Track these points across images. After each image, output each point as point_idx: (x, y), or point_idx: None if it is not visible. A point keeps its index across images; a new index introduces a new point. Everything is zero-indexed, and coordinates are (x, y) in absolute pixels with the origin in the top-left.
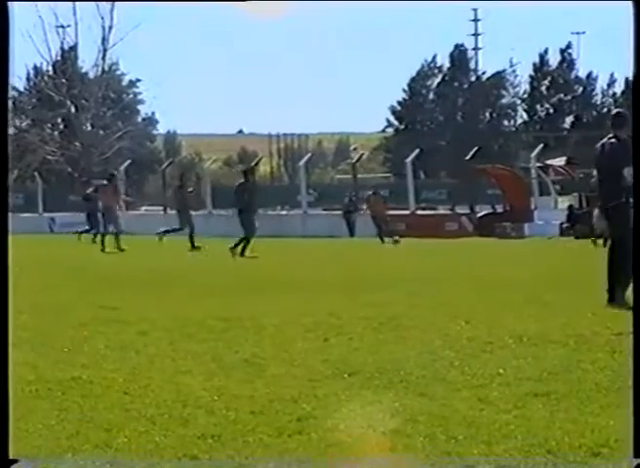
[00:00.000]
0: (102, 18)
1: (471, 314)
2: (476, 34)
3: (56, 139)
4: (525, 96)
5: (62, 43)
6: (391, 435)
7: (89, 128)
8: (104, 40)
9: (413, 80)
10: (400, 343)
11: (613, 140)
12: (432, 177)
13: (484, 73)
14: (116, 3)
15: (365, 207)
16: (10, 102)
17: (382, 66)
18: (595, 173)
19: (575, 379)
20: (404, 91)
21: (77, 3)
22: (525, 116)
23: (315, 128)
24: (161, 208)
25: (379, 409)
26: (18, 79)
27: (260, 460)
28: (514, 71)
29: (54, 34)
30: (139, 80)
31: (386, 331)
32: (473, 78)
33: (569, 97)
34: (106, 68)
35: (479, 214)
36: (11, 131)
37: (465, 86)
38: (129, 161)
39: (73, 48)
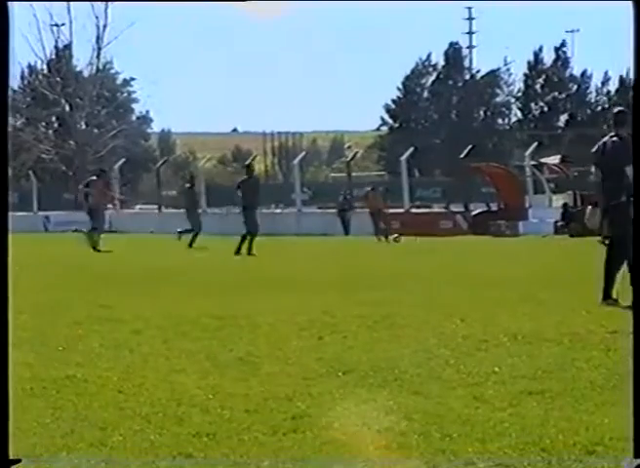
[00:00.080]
0: (97, 17)
1: (466, 312)
2: (470, 32)
3: (50, 138)
4: (519, 94)
5: (57, 41)
6: (386, 433)
7: (83, 126)
8: (99, 39)
9: (407, 78)
10: (395, 342)
11: (614, 139)
12: (427, 176)
13: (478, 71)
14: (110, 2)
15: (363, 203)
16: None
17: (377, 65)
18: (593, 171)
19: (569, 377)
20: (398, 89)
21: (72, 2)
22: (519, 114)
23: (310, 126)
24: (155, 206)
25: (373, 408)
26: (12, 77)
27: (255, 459)
28: (509, 69)
29: (48, 33)
30: (133, 79)
31: (381, 330)
32: (468, 76)
33: (563, 96)
34: (101, 67)
35: (473, 213)
36: None
37: (460, 84)
38: (123, 159)
39: (68, 46)
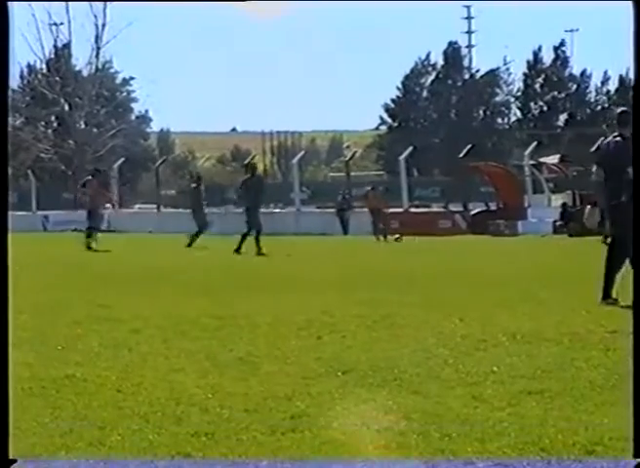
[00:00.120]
0: (96, 16)
1: (465, 312)
2: (470, 32)
3: (49, 137)
4: (519, 93)
5: (56, 41)
6: (385, 432)
7: (82, 126)
8: (98, 38)
9: (406, 78)
10: (394, 341)
11: (618, 139)
12: (426, 175)
13: (478, 71)
14: (109, 1)
15: (363, 202)
16: None
17: (376, 64)
18: (595, 170)
19: (568, 377)
20: (398, 88)
21: (70, 2)
22: (519, 114)
23: (309, 125)
24: (154, 206)
25: (372, 407)
26: (11, 77)
27: (254, 458)
28: (508, 69)
29: (47, 32)
30: (132, 78)
31: (380, 329)
32: (467, 76)
33: (562, 95)
34: (100, 66)
35: (472, 212)
36: None
37: (459, 84)
38: (122, 159)
39: (67, 46)
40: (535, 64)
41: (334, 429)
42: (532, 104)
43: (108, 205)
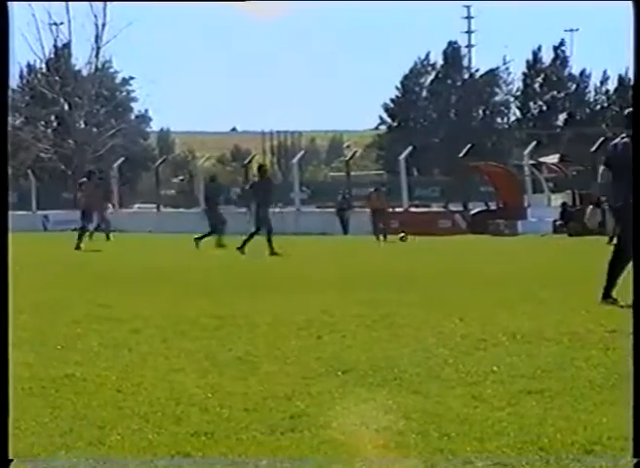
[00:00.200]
0: (95, 16)
1: (465, 311)
2: (469, 32)
3: (49, 137)
4: (518, 93)
5: (56, 41)
6: (384, 432)
7: (82, 125)
8: (98, 38)
9: (406, 78)
10: (393, 341)
11: (626, 140)
12: (425, 175)
13: (477, 71)
14: (109, 1)
15: (366, 203)
16: None
17: (376, 64)
18: (601, 171)
19: (568, 377)
20: (397, 88)
21: (70, 2)
22: (518, 113)
23: (308, 125)
24: (154, 205)
25: (372, 407)
26: (11, 77)
27: (254, 458)
28: (507, 69)
29: (47, 32)
30: (132, 78)
31: (380, 329)
32: (466, 76)
33: (562, 95)
34: (100, 66)
35: (472, 212)
36: None
37: (459, 83)
38: (122, 158)
39: (66, 45)
40: (534, 64)
41: (333, 429)
42: (531, 104)
43: (110, 206)
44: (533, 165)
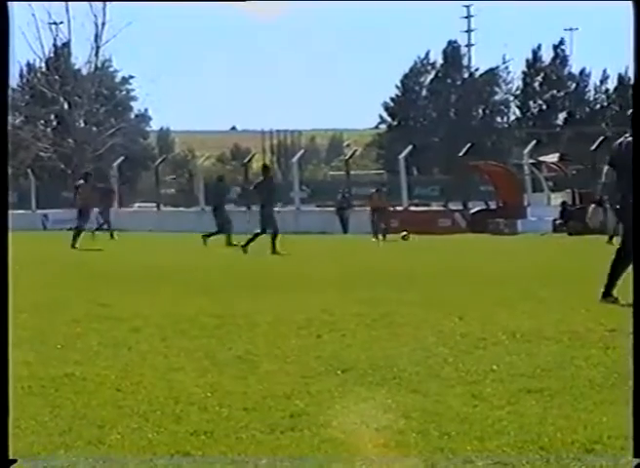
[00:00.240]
0: (95, 15)
1: (465, 310)
2: (469, 31)
3: (49, 136)
4: (518, 92)
5: (55, 40)
6: (384, 431)
7: (82, 124)
8: (97, 37)
9: (406, 77)
10: (393, 340)
11: (630, 139)
12: (425, 174)
13: (477, 70)
14: (108, 1)
15: (367, 203)
16: None
17: (375, 63)
18: (606, 171)
19: (568, 376)
20: (397, 87)
21: (70, 1)
22: (518, 112)
23: (308, 124)
24: (154, 204)
25: (372, 406)
26: (11, 76)
27: (253, 457)
28: (507, 68)
29: (47, 31)
30: (132, 77)
31: (379, 328)
32: (466, 75)
33: (562, 94)
34: (99, 65)
35: (472, 211)
36: None
37: (458, 82)
38: (122, 158)
39: (66, 45)
40: (534, 63)
41: (333, 428)
42: (531, 103)
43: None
44: (532, 164)
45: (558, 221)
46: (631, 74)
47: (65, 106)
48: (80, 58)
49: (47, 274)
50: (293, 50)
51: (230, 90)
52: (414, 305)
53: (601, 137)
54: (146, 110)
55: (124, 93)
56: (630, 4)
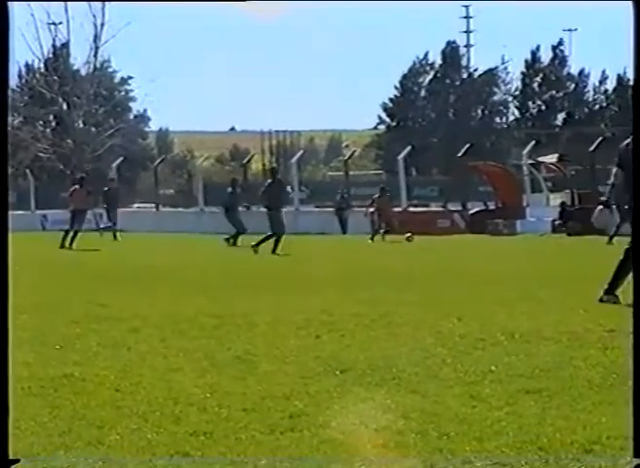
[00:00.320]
0: (94, 15)
1: (463, 311)
2: (468, 31)
3: (48, 137)
4: (517, 92)
5: (54, 40)
6: (383, 432)
7: (81, 125)
8: (96, 37)
9: (404, 77)
10: (392, 340)
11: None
12: (424, 174)
13: (476, 70)
14: (107, 1)
15: (371, 204)
16: None
17: (374, 63)
18: (614, 172)
19: (567, 376)
20: (396, 88)
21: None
22: (517, 113)
23: (307, 125)
24: (153, 205)
25: (370, 406)
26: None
27: (253, 457)
28: (506, 68)
29: (46, 31)
30: (130, 77)
31: (378, 328)
32: (465, 75)
33: (561, 94)
34: (98, 65)
35: (471, 212)
36: None
37: (457, 83)
38: (121, 158)
39: (65, 45)
40: (533, 64)
41: (332, 428)
42: (530, 103)
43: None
44: (531, 164)
45: (557, 222)
46: (630, 75)
47: (64, 107)
48: (79, 58)
49: (46, 275)
50: (292, 50)
51: (229, 90)
52: (412, 306)
53: (600, 138)
54: (145, 111)
55: (123, 93)
56: (630, 4)
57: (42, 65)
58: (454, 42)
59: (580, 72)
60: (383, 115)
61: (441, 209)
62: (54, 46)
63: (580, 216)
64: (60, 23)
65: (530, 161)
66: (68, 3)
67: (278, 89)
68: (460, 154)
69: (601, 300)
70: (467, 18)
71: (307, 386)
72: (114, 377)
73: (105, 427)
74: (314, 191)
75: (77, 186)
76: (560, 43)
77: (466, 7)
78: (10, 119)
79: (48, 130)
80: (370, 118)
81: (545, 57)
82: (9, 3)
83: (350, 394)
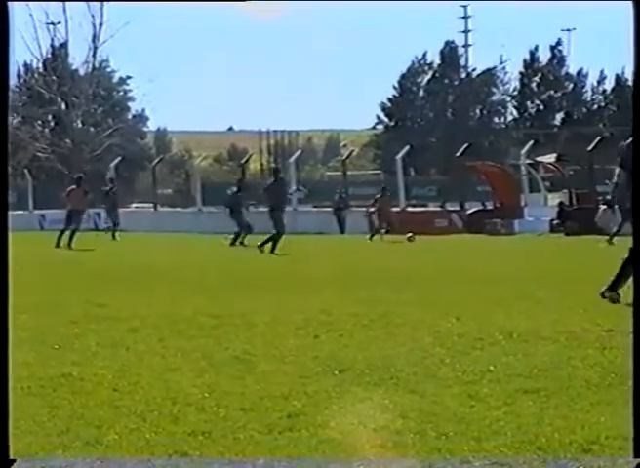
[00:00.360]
0: (93, 15)
1: (462, 311)
2: (466, 31)
3: (46, 136)
4: (515, 92)
5: (53, 40)
6: (381, 432)
7: (79, 125)
8: (95, 37)
9: (403, 77)
10: (390, 340)
11: None
12: (422, 174)
13: (474, 70)
14: (106, 1)
15: (373, 206)
16: None
17: (373, 63)
18: (617, 172)
19: (565, 376)
20: (394, 88)
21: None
22: (515, 113)
23: (305, 124)
24: (151, 205)
25: (369, 406)
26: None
27: (251, 457)
28: (504, 68)
29: (44, 31)
30: (129, 77)
31: (377, 328)
32: (463, 75)
33: (559, 94)
34: (97, 65)
35: (469, 211)
36: None
37: (456, 83)
38: (119, 158)
39: (64, 45)
40: (531, 63)
41: (330, 428)
42: (528, 103)
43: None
44: (530, 164)
45: (555, 222)
46: (629, 74)
47: (63, 107)
48: (77, 58)
49: (45, 274)
50: (290, 50)
51: (228, 90)
52: (411, 305)
53: (598, 138)
54: (144, 110)
55: (121, 93)
56: (630, 4)
57: (41, 65)
58: (452, 42)
59: (579, 72)
60: (382, 115)
61: (439, 208)
62: (52, 46)
63: (579, 216)
64: (59, 23)
65: (528, 161)
66: (67, 3)
67: (276, 88)
68: (458, 154)
69: (603, 296)
70: (466, 17)
71: (306, 386)
72: (112, 377)
73: (104, 427)
74: (312, 191)
75: (74, 186)
76: (558, 43)
77: (465, 7)
78: (9, 119)
79: (46, 129)
80: (368, 118)
81: (544, 56)
82: (9, 3)
83: (349, 394)
